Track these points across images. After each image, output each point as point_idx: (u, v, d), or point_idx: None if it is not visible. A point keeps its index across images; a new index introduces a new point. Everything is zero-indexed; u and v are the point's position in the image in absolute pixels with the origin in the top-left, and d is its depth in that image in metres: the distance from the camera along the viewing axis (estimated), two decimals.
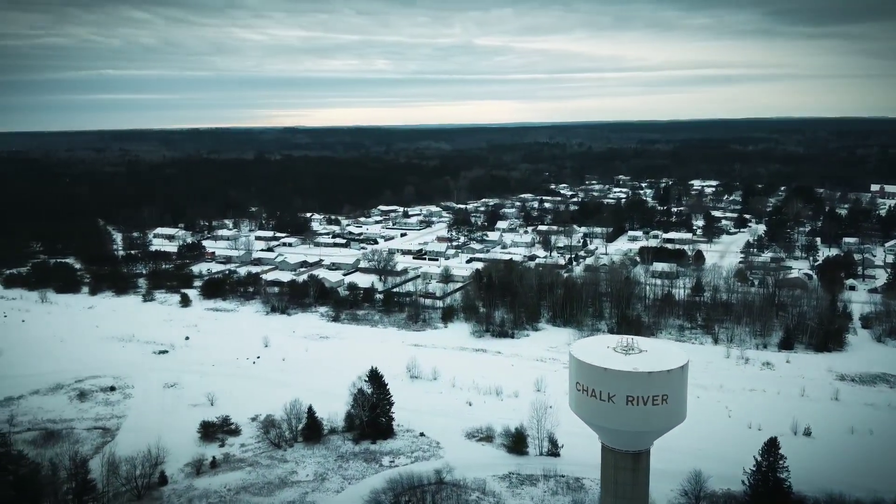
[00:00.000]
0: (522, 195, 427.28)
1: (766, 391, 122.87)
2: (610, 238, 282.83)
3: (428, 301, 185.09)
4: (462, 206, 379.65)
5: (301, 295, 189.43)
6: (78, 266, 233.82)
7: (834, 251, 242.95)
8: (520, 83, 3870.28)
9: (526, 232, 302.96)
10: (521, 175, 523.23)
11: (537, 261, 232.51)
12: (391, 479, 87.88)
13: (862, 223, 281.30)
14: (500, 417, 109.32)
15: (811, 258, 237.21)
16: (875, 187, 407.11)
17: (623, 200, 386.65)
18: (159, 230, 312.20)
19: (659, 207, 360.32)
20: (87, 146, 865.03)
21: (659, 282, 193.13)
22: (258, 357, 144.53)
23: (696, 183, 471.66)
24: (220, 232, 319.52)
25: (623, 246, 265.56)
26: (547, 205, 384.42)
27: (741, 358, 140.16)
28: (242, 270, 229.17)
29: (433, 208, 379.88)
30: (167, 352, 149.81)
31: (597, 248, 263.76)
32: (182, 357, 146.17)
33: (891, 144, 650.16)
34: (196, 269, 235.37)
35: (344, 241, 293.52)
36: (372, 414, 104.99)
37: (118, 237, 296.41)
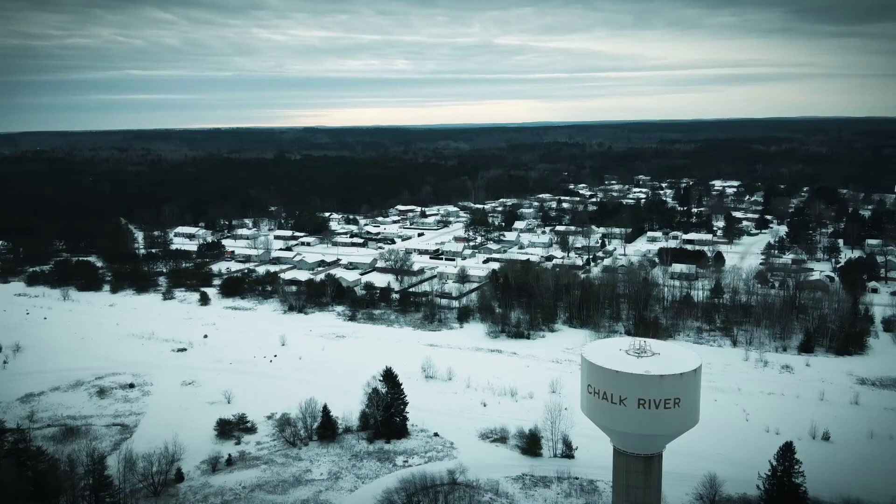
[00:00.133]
0: (541, 195, 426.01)
1: (784, 395, 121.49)
2: (629, 239, 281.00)
3: (444, 301, 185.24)
4: (480, 206, 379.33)
5: (318, 294, 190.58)
6: (100, 264, 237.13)
7: (856, 253, 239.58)
8: (539, 82, 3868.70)
9: (544, 232, 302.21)
10: (540, 175, 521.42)
11: (554, 261, 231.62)
12: (404, 479, 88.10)
13: (885, 225, 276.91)
14: (515, 418, 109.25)
15: (833, 260, 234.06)
16: None
17: (643, 201, 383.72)
18: (180, 229, 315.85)
19: (679, 208, 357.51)
20: (111, 145, 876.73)
21: (678, 283, 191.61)
22: (275, 355, 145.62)
23: (718, 183, 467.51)
24: (240, 231, 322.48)
25: (642, 247, 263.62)
26: (565, 205, 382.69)
27: (760, 361, 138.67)
28: (261, 269, 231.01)
29: (451, 208, 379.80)
30: (186, 350, 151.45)
31: (615, 249, 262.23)
32: (200, 355, 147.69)
33: None
34: (215, 267, 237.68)
35: (361, 240, 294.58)
36: (386, 413, 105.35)
37: (139, 236, 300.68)
